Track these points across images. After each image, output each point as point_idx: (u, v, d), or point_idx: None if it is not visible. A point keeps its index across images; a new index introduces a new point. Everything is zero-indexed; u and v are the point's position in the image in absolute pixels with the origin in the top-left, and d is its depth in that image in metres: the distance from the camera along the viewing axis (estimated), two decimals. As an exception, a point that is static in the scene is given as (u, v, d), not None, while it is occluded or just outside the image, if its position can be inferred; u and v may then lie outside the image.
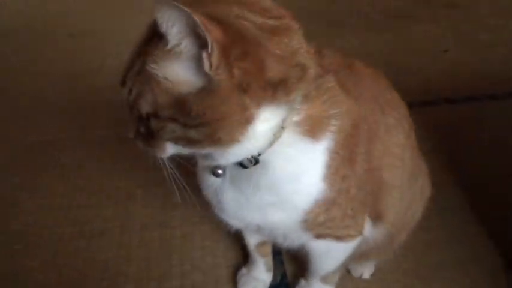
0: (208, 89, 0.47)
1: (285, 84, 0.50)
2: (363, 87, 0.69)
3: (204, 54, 0.45)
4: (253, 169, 0.58)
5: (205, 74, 0.46)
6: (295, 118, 0.54)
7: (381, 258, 0.93)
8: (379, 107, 0.70)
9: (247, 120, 0.49)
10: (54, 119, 1.58)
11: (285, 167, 0.57)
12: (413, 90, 1.66)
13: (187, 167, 0.62)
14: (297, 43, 0.52)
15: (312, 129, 0.56)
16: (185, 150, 0.55)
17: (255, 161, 0.56)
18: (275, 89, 0.50)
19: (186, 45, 0.46)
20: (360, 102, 0.66)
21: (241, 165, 0.57)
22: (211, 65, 0.45)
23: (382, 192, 0.71)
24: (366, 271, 0.99)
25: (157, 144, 0.54)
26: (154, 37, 0.48)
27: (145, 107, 0.51)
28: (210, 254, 1.07)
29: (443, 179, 1.24)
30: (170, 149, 0.55)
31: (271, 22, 0.51)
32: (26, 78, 1.86)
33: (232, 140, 0.50)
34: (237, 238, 1.04)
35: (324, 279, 0.90)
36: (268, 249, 0.95)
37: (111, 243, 1.10)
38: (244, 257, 1.04)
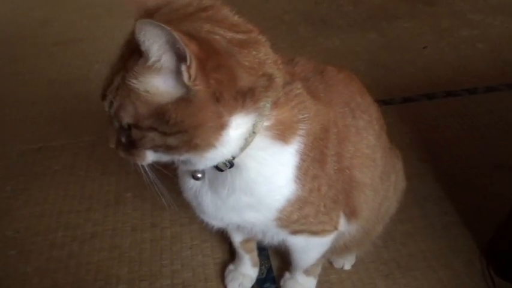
0: (186, 98, 0.51)
1: (253, 93, 0.54)
2: (334, 93, 0.72)
3: (183, 67, 0.48)
4: (228, 172, 0.62)
5: (184, 85, 0.50)
6: (266, 123, 0.58)
7: (360, 250, 0.97)
8: (349, 110, 0.73)
9: (221, 127, 0.53)
10: (44, 126, 1.59)
11: (257, 169, 0.61)
12: (394, 86, 1.71)
13: (166, 173, 0.65)
14: (263, 55, 0.56)
15: (282, 134, 0.60)
16: (164, 157, 0.58)
17: (230, 164, 0.60)
18: (244, 98, 0.54)
19: (166, 60, 0.50)
20: (331, 106, 0.69)
21: (218, 168, 0.61)
22: (190, 77, 0.49)
23: (355, 190, 0.75)
24: (346, 262, 1.03)
25: (138, 152, 0.57)
26: (134, 54, 0.51)
27: (126, 118, 0.54)
28: (198, 252, 1.10)
29: (423, 171, 1.29)
30: (150, 157, 0.58)
31: (239, 36, 0.55)
32: (15, 86, 1.87)
33: (208, 145, 0.54)
34: (224, 237, 1.07)
35: (307, 271, 0.94)
36: (253, 246, 0.98)
37: (103, 245, 1.12)
38: (231, 254, 1.07)
